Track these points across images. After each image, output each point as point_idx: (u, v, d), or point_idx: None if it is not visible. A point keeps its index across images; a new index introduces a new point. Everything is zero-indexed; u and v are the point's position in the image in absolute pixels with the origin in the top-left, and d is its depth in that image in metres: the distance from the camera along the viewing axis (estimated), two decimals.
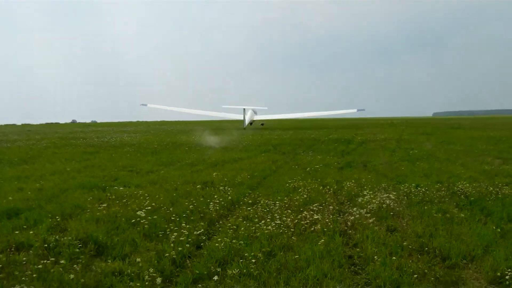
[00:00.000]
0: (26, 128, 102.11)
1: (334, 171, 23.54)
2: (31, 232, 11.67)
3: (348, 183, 19.15)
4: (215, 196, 16.22)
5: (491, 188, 17.71)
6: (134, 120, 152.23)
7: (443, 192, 17.34)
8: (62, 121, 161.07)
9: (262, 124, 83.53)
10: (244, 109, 78.65)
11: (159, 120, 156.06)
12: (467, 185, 18.37)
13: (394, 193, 17.04)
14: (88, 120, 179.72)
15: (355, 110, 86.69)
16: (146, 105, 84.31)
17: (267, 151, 35.50)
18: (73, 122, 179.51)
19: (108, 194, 17.04)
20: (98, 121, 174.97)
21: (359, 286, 8.80)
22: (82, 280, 8.73)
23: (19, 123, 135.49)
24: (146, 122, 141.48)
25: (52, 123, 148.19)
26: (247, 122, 78.13)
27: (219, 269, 9.28)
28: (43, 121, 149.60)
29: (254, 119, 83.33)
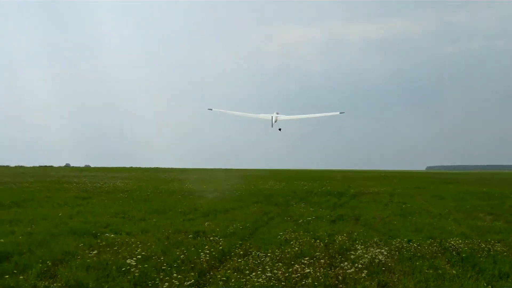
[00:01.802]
0: (20, 171, 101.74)
1: (326, 224, 23.50)
2: (21, 277, 11.59)
3: (340, 236, 19.12)
4: (206, 246, 16.16)
5: (483, 245, 17.72)
6: (128, 165, 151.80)
7: (435, 247, 17.33)
8: (56, 165, 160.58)
9: (280, 129, 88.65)
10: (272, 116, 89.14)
11: (153, 166, 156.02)
12: (459, 241, 18.37)
13: (386, 247, 17.01)
14: (82, 164, 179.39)
15: (337, 113, 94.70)
16: (211, 109, 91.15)
17: (260, 202, 35.42)
18: (67, 166, 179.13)
19: (99, 241, 16.96)
20: (92, 165, 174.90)
21: None
22: None
23: (12, 165, 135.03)
24: (140, 168, 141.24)
25: (46, 166, 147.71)
26: (273, 121, 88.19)
27: None
28: (37, 164, 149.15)
29: (278, 118, 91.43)
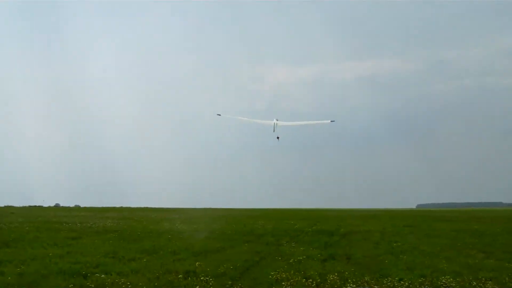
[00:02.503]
0: (9, 211, 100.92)
1: (317, 263, 23.43)
2: None
3: (331, 275, 19.07)
4: (197, 287, 16.08)
5: (475, 283, 17.74)
6: (118, 205, 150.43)
7: (426, 286, 17.31)
8: (45, 205, 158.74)
9: (278, 138, 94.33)
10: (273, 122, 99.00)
11: (142, 206, 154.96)
12: (451, 279, 18.37)
13: (377, 287, 16.98)
14: (71, 204, 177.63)
15: (328, 121, 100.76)
16: (220, 115, 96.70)
17: (250, 241, 35.28)
18: (57, 206, 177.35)
19: (89, 282, 16.84)
20: (82, 205, 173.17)
21: None
22: None
23: (2, 205, 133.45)
24: (130, 208, 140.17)
25: (35, 206, 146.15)
26: (274, 126, 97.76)
27: None
28: (26, 204, 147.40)
29: (277, 124, 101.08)
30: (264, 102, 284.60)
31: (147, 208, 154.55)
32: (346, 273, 19.93)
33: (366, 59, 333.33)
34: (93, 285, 16.33)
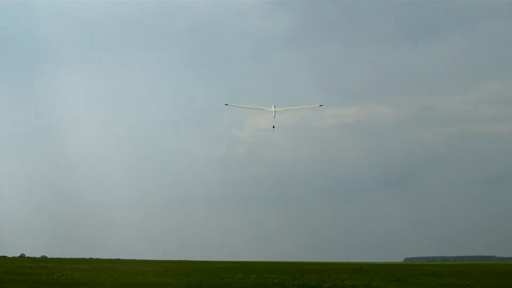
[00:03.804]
0: None
1: None
2: None
3: None
4: None
5: None
6: (88, 256, 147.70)
7: None
8: (9, 255, 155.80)
9: (273, 127, 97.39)
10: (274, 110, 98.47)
11: (114, 258, 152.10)
12: None
13: None
14: (38, 255, 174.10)
15: (317, 105, 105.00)
16: (227, 104, 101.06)
17: None
18: (22, 256, 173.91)
19: None
20: (49, 256, 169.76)
21: None
22: None
23: None
24: (100, 260, 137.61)
25: None
26: (274, 112, 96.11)
27: None
28: None
29: (276, 110, 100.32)
30: (244, 148, 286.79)
31: (118, 259, 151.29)
32: None
33: (349, 105, 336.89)
34: None
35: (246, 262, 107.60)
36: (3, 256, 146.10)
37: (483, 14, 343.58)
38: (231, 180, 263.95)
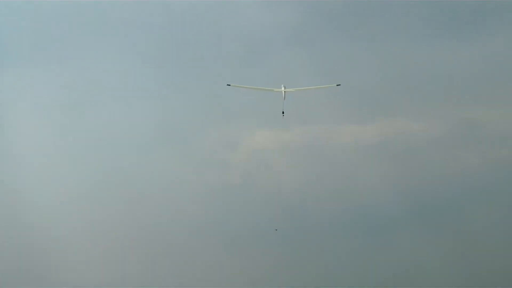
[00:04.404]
0: None
1: None
2: None
3: None
4: None
5: None
6: None
7: None
8: None
9: (283, 113, 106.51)
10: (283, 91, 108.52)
11: None
12: None
13: None
14: None
15: (334, 85, 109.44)
16: (230, 85, 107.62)
17: None
18: None
19: None
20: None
21: None
22: None
23: None
24: None
25: None
26: (283, 92, 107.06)
27: None
28: None
29: (285, 90, 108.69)
30: (237, 174, 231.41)
31: None
32: None
33: (368, 120, 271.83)
34: None
35: None
36: None
37: None
38: (220, 214, 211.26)
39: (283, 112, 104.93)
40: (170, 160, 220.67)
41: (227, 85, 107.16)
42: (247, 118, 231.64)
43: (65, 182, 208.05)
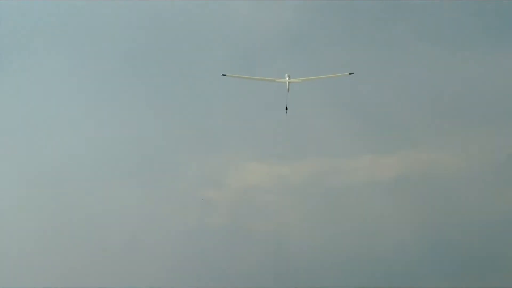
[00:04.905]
0: None
1: None
2: None
3: None
4: None
5: None
6: None
7: None
8: None
9: (286, 109, 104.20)
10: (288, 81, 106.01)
11: None
12: None
13: None
14: None
15: (347, 73, 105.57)
16: (225, 75, 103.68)
17: None
18: None
19: None
20: None
21: None
22: None
23: None
24: None
25: None
26: (288, 87, 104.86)
27: None
28: None
29: (290, 81, 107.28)
30: (222, 216, 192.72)
31: None
32: None
33: (388, 150, 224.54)
34: None
35: None
36: None
37: None
38: (201, 265, 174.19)
39: (286, 108, 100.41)
40: (140, 198, 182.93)
41: (222, 75, 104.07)
42: (235, 148, 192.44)
43: (7, 223, 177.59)
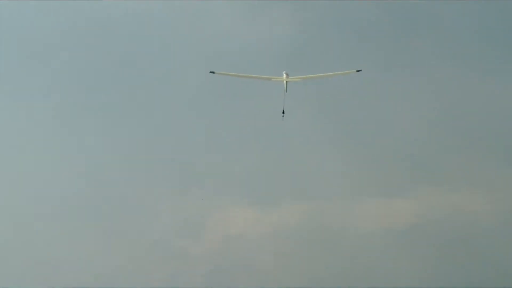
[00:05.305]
0: None
1: None
2: None
3: None
4: None
5: None
6: None
7: None
8: None
9: (283, 112, 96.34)
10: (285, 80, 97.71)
11: None
12: None
13: None
14: None
15: (354, 70, 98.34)
16: (214, 72, 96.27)
17: None
18: None
19: None
20: None
21: None
22: None
23: None
24: None
25: None
26: (285, 86, 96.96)
27: None
28: None
29: (288, 80, 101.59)
30: (201, 271, 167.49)
31: None
32: None
33: (400, 193, 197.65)
34: None
35: None
36: None
37: None
38: None
39: (283, 112, 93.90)
40: (102, 249, 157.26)
41: (211, 72, 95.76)
42: (216, 189, 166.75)
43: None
